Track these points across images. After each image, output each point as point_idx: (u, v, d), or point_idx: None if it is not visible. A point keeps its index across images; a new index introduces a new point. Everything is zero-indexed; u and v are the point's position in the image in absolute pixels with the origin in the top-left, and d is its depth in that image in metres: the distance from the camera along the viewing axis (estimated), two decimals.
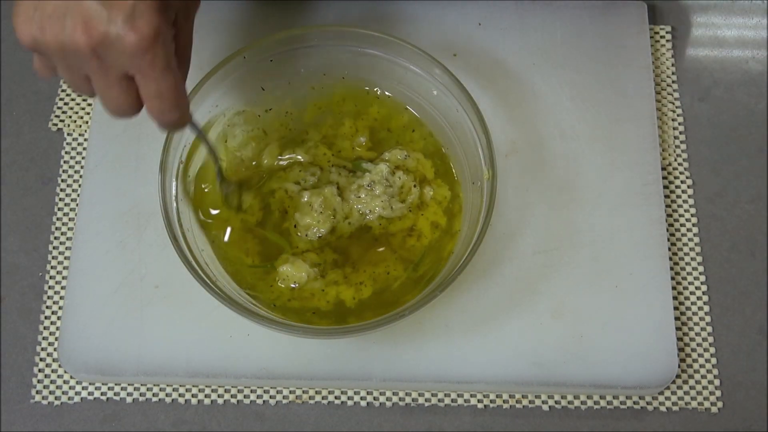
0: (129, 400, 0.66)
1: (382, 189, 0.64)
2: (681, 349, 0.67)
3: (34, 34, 0.44)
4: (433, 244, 0.65)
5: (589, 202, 0.70)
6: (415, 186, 0.65)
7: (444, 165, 0.67)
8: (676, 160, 0.73)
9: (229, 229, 0.65)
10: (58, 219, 0.71)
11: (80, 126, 0.74)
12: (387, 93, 0.69)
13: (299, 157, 0.66)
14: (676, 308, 0.68)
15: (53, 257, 0.70)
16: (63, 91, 0.76)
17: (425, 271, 0.64)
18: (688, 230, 0.71)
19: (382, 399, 0.66)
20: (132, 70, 0.45)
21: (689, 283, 0.69)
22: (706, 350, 0.68)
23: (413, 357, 0.65)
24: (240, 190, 0.65)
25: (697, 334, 0.68)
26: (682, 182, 0.73)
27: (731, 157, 0.74)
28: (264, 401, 0.66)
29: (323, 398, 0.66)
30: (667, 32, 0.78)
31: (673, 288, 0.69)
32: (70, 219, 0.71)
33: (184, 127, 0.52)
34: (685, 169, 0.73)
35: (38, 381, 0.67)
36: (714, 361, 0.67)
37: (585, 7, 0.76)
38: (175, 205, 0.62)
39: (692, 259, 0.70)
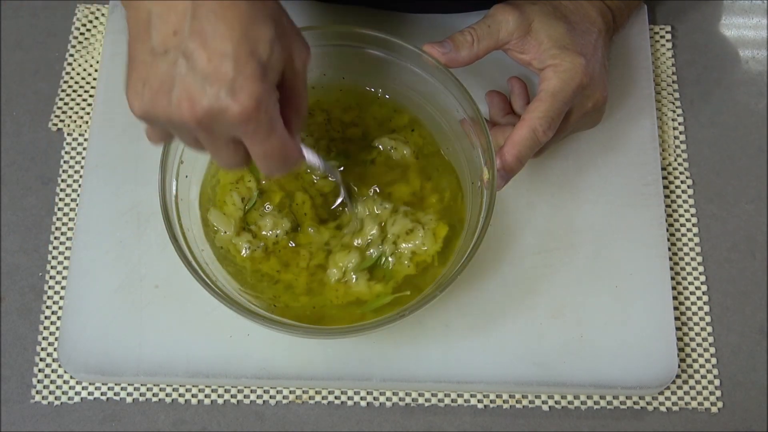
0: (129, 400, 0.66)
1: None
2: (681, 349, 0.67)
3: (144, 108, 0.47)
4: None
5: (589, 202, 0.70)
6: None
7: (444, 165, 0.67)
8: (676, 160, 0.73)
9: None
10: (58, 219, 0.71)
11: (80, 126, 0.74)
12: (387, 93, 0.69)
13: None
14: (676, 308, 0.68)
15: (53, 257, 0.70)
16: (63, 91, 0.76)
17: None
18: (688, 230, 0.71)
19: (382, 399, 0.66)
20: (239, 136, 0.47)
21: (689, 283, 0.69)
22: (706, 350, 0.68)
23: (413, 357, 0.65)
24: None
25: (697, 334, 0.68)
26: (682, 182, 0.73)
27: (731, 157, 0.74)
28: (264, 401, 0.66)
29: (323, 398, 0.66)
30: (667, 32, 0.78)
31: (673, 288, 0.69)
32: (70, 219, 0.71)
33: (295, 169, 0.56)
34: (685, 169, 0.73)
35: (38, 381, 0.67)
36: (714, 361, 0.67)
37: None
38: (175, 205, 0.62)
39: (692, 259, 0.70)
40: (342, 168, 0.66)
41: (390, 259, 0.63)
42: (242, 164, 0.50)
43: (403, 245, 0.63)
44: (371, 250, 0.63)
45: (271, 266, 0.64)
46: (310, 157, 0.59)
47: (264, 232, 0.64)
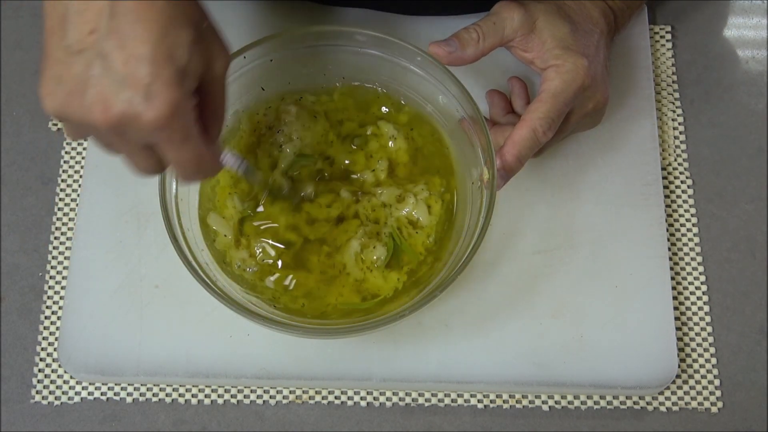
0: (129, 400, 0.66)
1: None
2: (681, 349, 0.67)
3: (56, 107, 0.45)
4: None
5: (589, 202, 0.70)
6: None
7: (444, 165, 0.67)
8: (676, 160, 0.73)
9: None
10: (58, 219, 0.71)
11: None
12: (387, 93, 0.69)
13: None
14: (676, 308, 0.68)
15: (53, 257, 0.70)
16: None
17: (425, 272, 0.64)
18: (688, 230, 0.71)
19: (382, 399, 0.66)
20: (152, 142, 0.46)
21: (689, 283, 0.69)
22: (706, 350, 0.68)
23: (413, 357, 0.65)
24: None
25: (697, 334, 0.68)
26: (682, 182, 0.73)
27: (731, 157, 0.74)
28: (264, 401, 0.66)
29: (323, 398, 0.66)
30: (667, 32, 0.78)
31: (673, 288, 0.69)
32: (70, 219, 0.71)
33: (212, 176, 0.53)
34: (685, 169, 0.73)
35: (38, 381, 0.67)
36: (714, 361, 0.67)
37: None
38: (175, 205, 0.62)
39: (692, 259, 0.70)
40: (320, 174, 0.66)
41: (399, 230, 0.64)
42: (157, 170, 0.49)
43: (397, 214, 0.63)
44: (384, 229, 0.63)
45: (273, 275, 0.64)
46: (230, 161, 0.55)
47: (258, 253, 0.64)
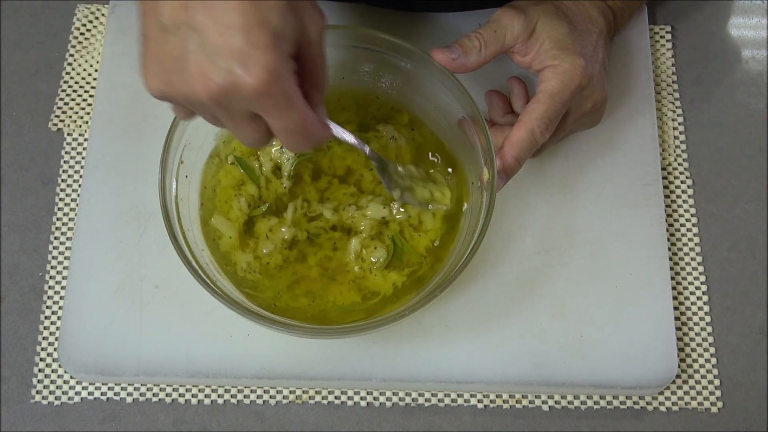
0: (129, 400, 0.66)
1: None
2: (681, 349, 0.67)
3: (160, 88, 0.46)
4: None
5: (589, 202, 0.70)
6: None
7: (444, 165, 0.67)
8: (676, 160, 0.73)
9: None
10: (58, 219, 0.71)
11: (80, 126, 0.74)
12: (387, 93, 0.69)
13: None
14: (676, 308, 0.68)
15: (53, 257, 0.70)
16: (63, 91, 0.76)
17: (425, 272, 0.64)
18: (688, 230, 0.71)
19: (382, 399, 0.66)
20: (256, 111, 0.46)
21: (689, 283, 0.69)
22: (706, 350, 0.68)
23: (413, 357, 0.65)
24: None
25: (697, 334, 0.68)
26: (682, 182, 0.73)
27: (731, 157, 0.74)
28: (264, 401, 0.66)
29: (323, 398, 0.66)
30: (667, 32, 0.78)
31: (673, 288, 0.69)
32: (70, 219, 0.71)
33: (323, 144, 0.52)
34: (685, 169, 0.73)
35: (38, 381, 0.67)
36: (714, 361, 0.67)
37: None
38: (175, 205, 0.62)
39: (692, 259, 0.70)
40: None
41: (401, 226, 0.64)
42: (265, 141, 0.49)
43: (400, 218, 0.64)
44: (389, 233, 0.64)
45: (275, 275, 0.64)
46: (338, 131, 0.55)
47: (265, 251, 0.64)
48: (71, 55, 0.77)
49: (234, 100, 0.45)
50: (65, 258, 0.70)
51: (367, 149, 0.59)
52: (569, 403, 0.66)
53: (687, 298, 0.69)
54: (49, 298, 0.69)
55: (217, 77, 0.43)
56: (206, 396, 0.66)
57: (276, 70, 0.44)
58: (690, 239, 0.71)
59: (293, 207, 0.64)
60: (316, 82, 0.49)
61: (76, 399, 0.66)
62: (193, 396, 0.66)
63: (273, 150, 0.66)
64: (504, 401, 0.66)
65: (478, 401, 0.66)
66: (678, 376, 0.67)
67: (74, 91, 0.76)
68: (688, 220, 0.71)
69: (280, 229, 0.64)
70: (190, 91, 0.44)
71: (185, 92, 0.45)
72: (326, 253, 0.64)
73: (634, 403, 0.66)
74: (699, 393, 0.66)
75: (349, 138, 0.56)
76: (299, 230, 0.64)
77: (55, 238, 0.71)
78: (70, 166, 0.73)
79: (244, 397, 0.66)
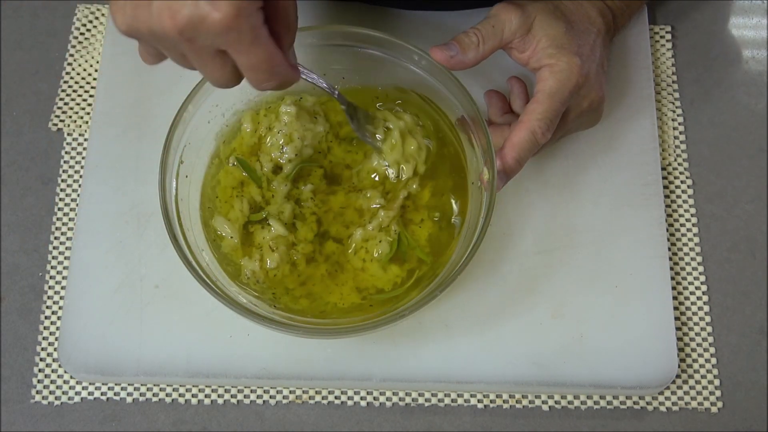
0: (129, 400, 0.66)
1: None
2: (681, 349, 0.67)
3: (127, 22, 0.47)
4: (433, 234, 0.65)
5: (589, 202, 0.70)
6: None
7: (444, 164, 0.67)
8: (676, 160, 0.73)
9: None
10: (58, 219, 0.71)
11: (80, 126, 0.74)
12: (387, 93, 0.69)
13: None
14: (676, 308, 0.68)
15: (53, 257, 0.70)
16: (63, 91, 0.76)
17: (425, 272, 0.64)
18: (688, 230, 0.71)
19: (382, 399, 0.66)
20: (222, 47, 0.47)
21: (689, 283, 0.69)
22: (706, 350, 0.68)
23: (413, 357, 0.65)
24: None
25: (697, 334, 0.68)
26: (682, 182, 0.73)
27: (731, 157, 0.74)
28: (264, 401, 0.66)
29: (323, 398, 0.66)
30: (667, 32, 0.78)
31: (673, 288, 0.69)
32: (70, 219, 0.71)
33: (290, 85, 0.53)
34: (685, 169, 0.73)
35: (38, 381, 0.67)
36: (714, 361, 0.67)
37: None
38: (175, 205, 0.62)
39: (692, 259, 0.70)
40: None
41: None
42: (231, 80, 0.50)
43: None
44: (393, 228, 0.64)
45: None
46: (308, 75, 0.56)
47: (271, 264, 0.63)
48: (71, 55, 0.77)
49: (200, 34, 0.45)
50: (65, 258, 0.70)
51: (336, 93, 0.61)
52: (569, 403, 0.66)
53: (687, 298, 0.69)
54: (49, 298, 0.69)
55: (184, 10, 0.44)
56: (206, 396, 0.66)
57: (242, 4, 0.44)
58: (690, 239, 0.71)
59: (291, 207, 0.64)
60: (286, 23, 0.50)
61: (76, 399, 0.66)
62: (193, 396, 0.66)
63: (273, 152, 0.66)
64: (504, 401, 0.66)
65: (478, 401, 0.66)
66: (678, 376, 0.67)
67: (74, 91, 0.76)
68: (688, 220, 0.71)
69: (285, 244, 0.63)
70: (158, 25, 0.45)
71: (152, 26, 0.46)
72: (331, 248, 0.64)
73: (634, 403, 0.66)
74: (699, 393, 0.66)
75: (319, 81, 0.58)
76: (305, 243, 0.64)
77: (55, 238, 0.71)
78: (70, 166, 0.73)
79: (244, 397, 0.66)
